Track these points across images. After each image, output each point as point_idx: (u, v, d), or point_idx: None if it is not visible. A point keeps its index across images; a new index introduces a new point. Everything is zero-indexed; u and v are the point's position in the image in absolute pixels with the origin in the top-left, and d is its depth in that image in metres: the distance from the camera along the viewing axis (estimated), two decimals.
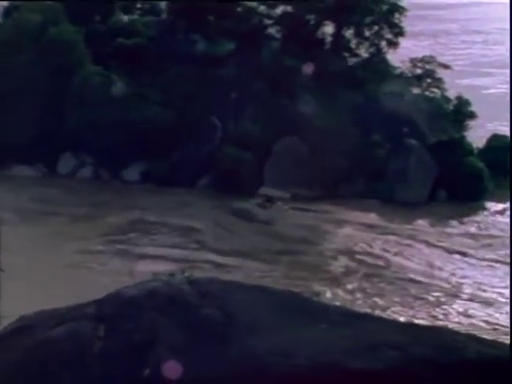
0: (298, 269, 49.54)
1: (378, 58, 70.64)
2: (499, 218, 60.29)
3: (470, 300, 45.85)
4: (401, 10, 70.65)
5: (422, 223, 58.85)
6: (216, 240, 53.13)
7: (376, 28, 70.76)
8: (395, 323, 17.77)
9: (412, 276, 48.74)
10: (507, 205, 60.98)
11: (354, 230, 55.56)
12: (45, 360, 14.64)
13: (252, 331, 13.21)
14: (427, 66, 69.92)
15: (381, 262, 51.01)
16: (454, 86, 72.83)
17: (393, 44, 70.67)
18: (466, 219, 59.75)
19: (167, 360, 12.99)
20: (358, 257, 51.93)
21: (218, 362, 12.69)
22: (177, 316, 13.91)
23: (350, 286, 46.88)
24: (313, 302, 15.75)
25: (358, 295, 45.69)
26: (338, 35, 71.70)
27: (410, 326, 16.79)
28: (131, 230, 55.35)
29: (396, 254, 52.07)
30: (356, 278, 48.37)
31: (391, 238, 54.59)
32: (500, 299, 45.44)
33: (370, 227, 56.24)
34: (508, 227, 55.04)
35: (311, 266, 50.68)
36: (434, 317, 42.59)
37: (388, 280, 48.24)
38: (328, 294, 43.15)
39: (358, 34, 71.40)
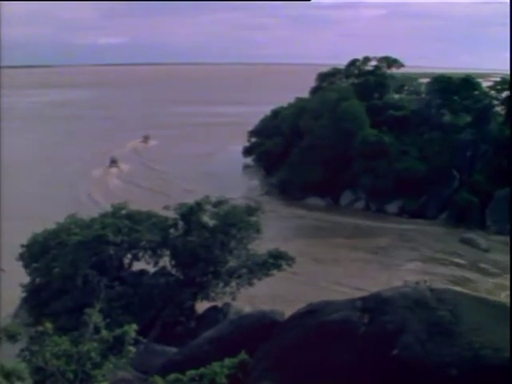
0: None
1: None
2: None
3: None
4: None
5: None
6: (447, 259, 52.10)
7: None
8: None
9: None
10: None
11: None
12: (323, 336, 15.13)
13: (472, 330, 13.14)
14: None
15: None
16: None
17: None
18: None
19: (412, 345, 13.14)
20: None
21: (448, 351, 12.70)
22: (420, 314, 14.00)
23: None
24: None
25: None
26: None
27: None
28: (392, 247, 55.34)
29: None
30: None
31: None
32: None
33: None
34: None
35: None
36: None
37: None
38: None
39: None
